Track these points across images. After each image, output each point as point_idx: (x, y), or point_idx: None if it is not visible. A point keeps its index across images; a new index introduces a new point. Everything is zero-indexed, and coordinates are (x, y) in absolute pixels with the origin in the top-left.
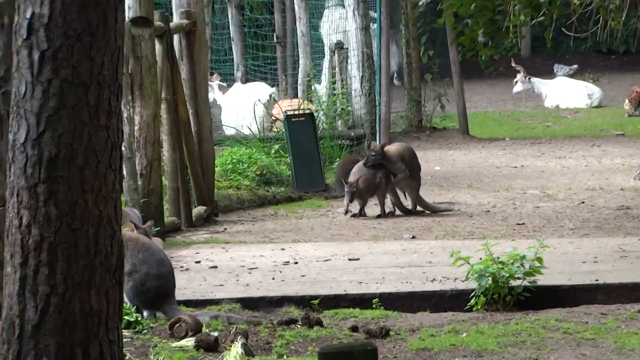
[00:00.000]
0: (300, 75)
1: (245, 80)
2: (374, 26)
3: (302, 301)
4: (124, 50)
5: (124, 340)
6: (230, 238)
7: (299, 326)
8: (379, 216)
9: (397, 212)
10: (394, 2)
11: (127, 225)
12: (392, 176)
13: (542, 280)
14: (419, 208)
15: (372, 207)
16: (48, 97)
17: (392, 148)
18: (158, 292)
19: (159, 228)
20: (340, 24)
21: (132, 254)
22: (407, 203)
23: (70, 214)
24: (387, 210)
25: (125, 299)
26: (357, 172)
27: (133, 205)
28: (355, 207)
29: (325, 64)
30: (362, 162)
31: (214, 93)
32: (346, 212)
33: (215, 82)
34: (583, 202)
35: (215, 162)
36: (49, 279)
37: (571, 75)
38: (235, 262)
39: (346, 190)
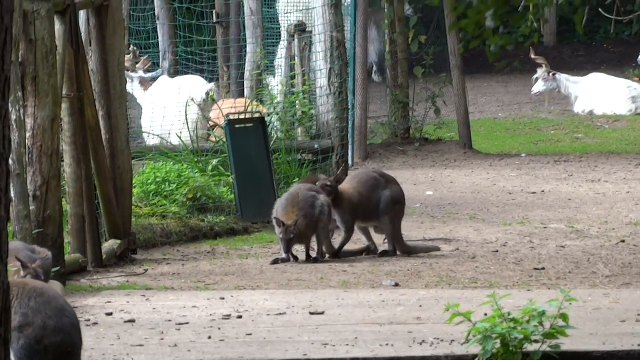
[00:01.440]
0: (247, 67)
1: (174, 72)
2: (346, 2)
3: None
4: (12, 32)
5: None
6: (153, 282)
7: None
8: (314, 259)
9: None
10: None
11: (13, 263)
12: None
13: (568, 344)
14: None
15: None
16: None
17: (347, 190)
18: (58, 350)
19: (57, 268)
20: None
21: (21, 302)
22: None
23: None
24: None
25: None
26: (290, 203)
27: (23, 237)
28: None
29: (282, 52)
30: (291, 191)
31: (132, 87)
32: (277, 262)
33: (136, 73)
34: (623, 241)
35: (133, 182)
36: None
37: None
38: (159, 314)
39: (280, 236)
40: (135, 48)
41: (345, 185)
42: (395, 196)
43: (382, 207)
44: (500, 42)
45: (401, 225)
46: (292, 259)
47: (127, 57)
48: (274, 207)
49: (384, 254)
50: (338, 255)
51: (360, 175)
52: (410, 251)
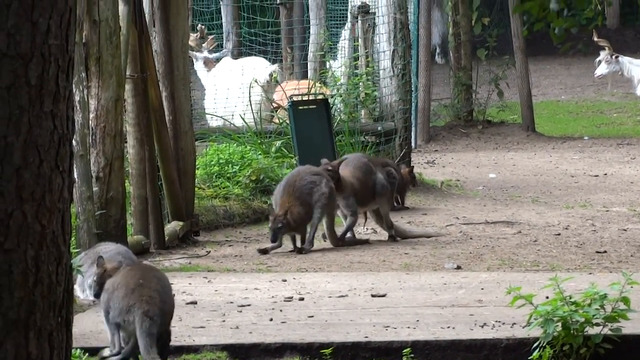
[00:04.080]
0: (310, 49)
1: (238, 53)
2: None
3: (308, 350)
4: (76, 12)
5: None
6: (215, 264)
7: None
8: (299, 250)
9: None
10: None
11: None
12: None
13: (629, 327)
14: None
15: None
16: None
17: (347, 175)
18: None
19: None
20: None
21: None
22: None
23: (2, 230)
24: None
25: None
26: (286, 191)
27: (86, 218)
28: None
29: (345, 34)
30: (289, 177)
31: (197, 68)
32: (266, 251)
33: (202, 53)
34: None
35: (197, 163)
36: None
37: None
38: (221, 296)
39: (269, 225)
40: (202, 27)
41: (344, 171)
42: (390, 178)
43: (377, 190)
44: (565, 24)
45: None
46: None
47: (193, 36)
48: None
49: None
50: (343, 241)
51: (353, 161)
52: (402, 235)
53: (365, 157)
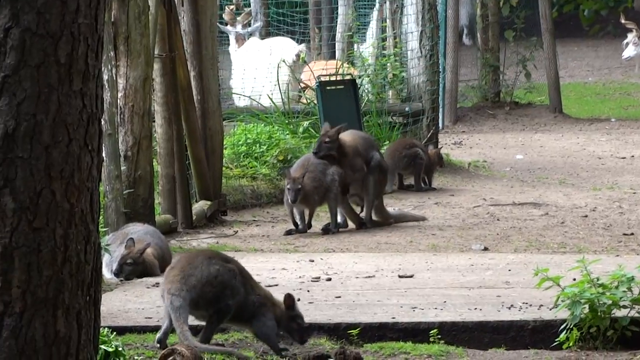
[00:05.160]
0: (338, 30)
1: (266, 34)
2: None
3: (336, 330)
4: None
5: None
6: (242, 244)
7: None
8: (326, 230)
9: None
10: None
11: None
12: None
13: None
14: (375, 218)
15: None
16: (4, 51)
17: (347, 138)
18: None
19: None
20: None
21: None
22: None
23: (31, 208)
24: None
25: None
26: (301, 165)
27: (114, 197)
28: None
29: (373, 14)
30: (309, 155)
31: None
32: (295, 229)
33: (234, 28)
34: None
35: (225, 143)
36: (2, 293)
37: None
38: None
39: (287, 187)
40: (239, 0)
41: (346, 136)
42: (384, 164)
43: (371, 166)
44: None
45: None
46: (308, 225)
47: (228, 10)
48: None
49: (361, 225)
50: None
51: (358, 132)
52: (395, 221)
53: (368, 135)
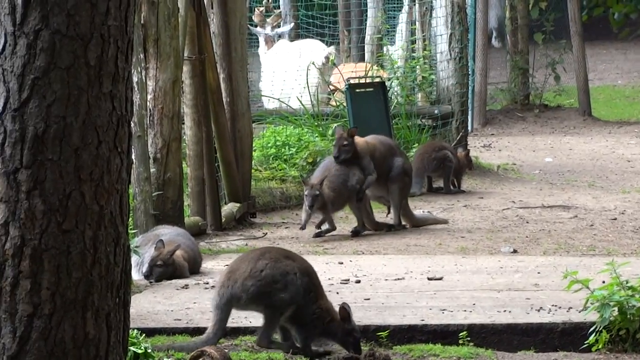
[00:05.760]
0: (368, 32)
1: (295, 36)
2: None
3: (365, 332)
4: None
5: None
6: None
7: None
8: (356, 233)
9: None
10: None
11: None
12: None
13: None
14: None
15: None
16: (34, 53)
17: (363, 144)
18: None
19: None
20: None
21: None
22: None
23: (61, 210)
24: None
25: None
26: (322, 173)
27: (143, 199)
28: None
29: (402, 17)
30: (329, 160)
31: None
32: (303, 227)
33: (264, 29)
34: None
35: (254, 145)
36: (32, 295)
37: None
38: None
39: (305, 193)
40: (270, 1)
41: (363, 140)
42: (407, 167)
43: (393, 174)
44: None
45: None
46: (320, 229)
47: (257, 11)
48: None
49: (389, 227)
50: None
51: (378, 137)
52: (418, 224)
53: (390, 141)
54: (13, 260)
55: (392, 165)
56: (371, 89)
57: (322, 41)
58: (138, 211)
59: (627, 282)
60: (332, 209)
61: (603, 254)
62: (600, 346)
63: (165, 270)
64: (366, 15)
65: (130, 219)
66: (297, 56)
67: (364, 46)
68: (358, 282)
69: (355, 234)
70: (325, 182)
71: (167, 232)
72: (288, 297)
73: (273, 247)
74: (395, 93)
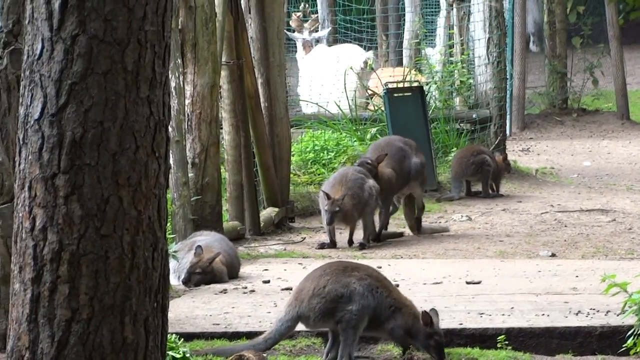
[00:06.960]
0: (406, 37)
1: (333, 40)
2: None
3: None
4: None
5: None
6: (310, 251)
7: None
8: (362, 246)
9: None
10: None
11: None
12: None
13: None
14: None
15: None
16: (72, 59)
17: (385, 170)
18: None
19: None
20: None
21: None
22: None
23: (99, 215)
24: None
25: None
26: (339, 181)
27: (182, 204)
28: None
29: (440, 21)
30: (345, 168)
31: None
32: (330, 244)
33: (302, 34)
34: None
35: (292, 150)
36: (70, 300)
37: None
38: None
39: (326, 208)
40: (307, 6)
41: (386, 169)
42: (424, 162)
43: (412, 174)
44: None
45: None
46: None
47: (295, 16)
48: (322, 186)
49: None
50: (380, 238)
51: (388, 148)
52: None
53: (400, 140)
54: (51, 265)
55: (409, 168)
56: (409, 94)
57: (360, 46)
58: (177, 216)
59: None
60: (357, 216)
61: None
62: (638, 349)
63: (204, 277)
64: (404, 20)
65: (168, 224)
66: (335, 61)
67: (401, 51)
68: (397, 286)
69: (362, 247)
70: (347, 198)
71: (204, 238)
72: (357, 308)
73: (333, 262)
74: (434, 97)
